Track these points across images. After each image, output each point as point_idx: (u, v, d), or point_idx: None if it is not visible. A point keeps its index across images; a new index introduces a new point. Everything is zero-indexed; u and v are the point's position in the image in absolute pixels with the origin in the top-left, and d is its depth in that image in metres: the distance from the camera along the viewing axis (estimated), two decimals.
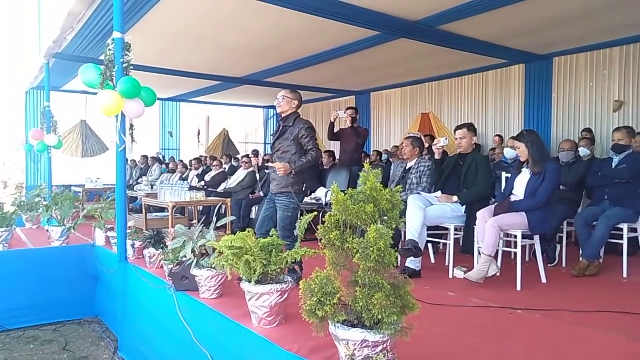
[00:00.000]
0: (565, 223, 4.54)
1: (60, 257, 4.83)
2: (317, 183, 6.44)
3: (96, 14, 5.21)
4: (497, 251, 3.95)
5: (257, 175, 6.96)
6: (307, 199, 5.97)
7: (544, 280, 3.75)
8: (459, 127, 4.29)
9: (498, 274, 3.70)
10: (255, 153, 3.66)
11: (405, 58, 7.42)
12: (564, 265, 4.42)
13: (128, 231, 4.20)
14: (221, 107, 12.98)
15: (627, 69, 6.48)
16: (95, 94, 3.82)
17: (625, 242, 4.00)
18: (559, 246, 4.50)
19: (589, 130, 6.32)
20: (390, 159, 7.91)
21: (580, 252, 4.15)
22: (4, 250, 4.81)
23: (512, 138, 3.89)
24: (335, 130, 6.42)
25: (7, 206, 5.45)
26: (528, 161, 3.78)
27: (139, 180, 9.67)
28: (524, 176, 3.80)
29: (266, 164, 3.75)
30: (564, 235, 4.54)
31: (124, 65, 3.82)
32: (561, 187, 4.71)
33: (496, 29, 5.87)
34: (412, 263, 3.93)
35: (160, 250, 3.72)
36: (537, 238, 3.80)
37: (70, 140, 10.99)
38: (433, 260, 4.62)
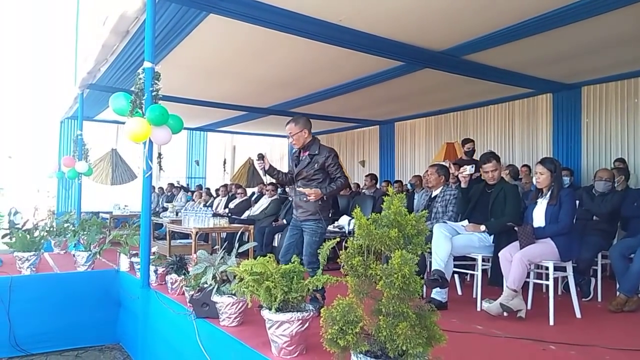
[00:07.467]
0: (599, 255, 4.35)
1: (85, 282, 4.88)
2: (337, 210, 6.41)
3: (129, 46, 5.41)
4: (527, 283, 3.79)
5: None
6: (329, 227, 5.91)
7: (578, 315, 3.58)
8: (486, 160, 4.13)
9: (523, 312, 3.51)
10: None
11: (429, 88, 7.41)
12: (599, 299, 4.21)
13: (151, 257, 4.22)
14: (247, 137, 13.20)
15: None
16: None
17: None
18: (593, 279, 4.31)
19: (622, 160, 6.12)
20: (415, 190, 7.80)
21: (617, 286, 3.97)
22: (30, 274, 4.89)
23: (539, 163, 3.78)
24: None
25: (37, 232, 5.56)
26: (543, 190, 3.75)
27: (165, 207, 9.79)
28: (541, 207, 3.75)
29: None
30: (599, 268, 4.34)
31: (153, 94, 3.92)
32: (594, 217, 4.54)
33: (522, 59, 5.81)
34: (438, 294, 3.81)
35: (182, 276, 3.72)
36: (569, 270, 3.64)
37: (100, 168, 11.29)
38: (460, 292, 4.47)
